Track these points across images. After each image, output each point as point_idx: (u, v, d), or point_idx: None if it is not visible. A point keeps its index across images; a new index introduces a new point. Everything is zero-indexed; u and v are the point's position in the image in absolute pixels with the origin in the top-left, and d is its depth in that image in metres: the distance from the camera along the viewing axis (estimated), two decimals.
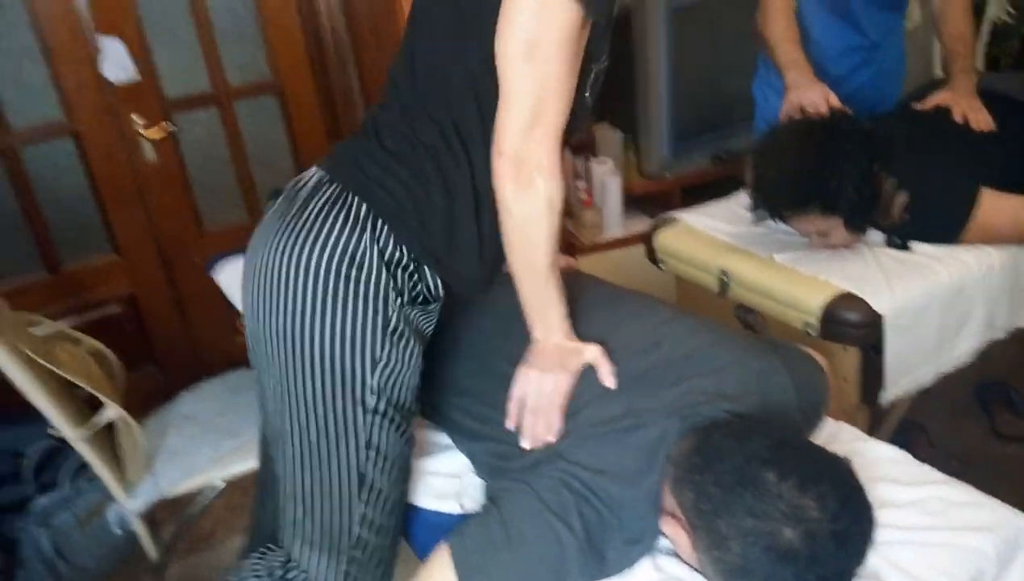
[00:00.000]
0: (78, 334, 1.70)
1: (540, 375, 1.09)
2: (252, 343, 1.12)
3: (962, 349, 1.67)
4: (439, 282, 1.11)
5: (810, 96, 1.74)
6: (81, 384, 1.44)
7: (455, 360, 1.27)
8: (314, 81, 2.51)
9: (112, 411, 1.49)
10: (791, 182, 1.65)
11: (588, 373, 1.11)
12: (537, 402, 1.08)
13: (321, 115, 2.55)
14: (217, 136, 2.45)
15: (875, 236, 1.78)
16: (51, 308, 2.21)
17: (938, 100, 1.84)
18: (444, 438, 1.32)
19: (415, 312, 1.09)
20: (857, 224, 1.68)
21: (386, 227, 1.05)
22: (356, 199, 1.05)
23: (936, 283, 1.61)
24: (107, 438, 1.57)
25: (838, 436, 1.21)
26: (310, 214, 1.05)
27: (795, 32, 1.93)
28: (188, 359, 2.45)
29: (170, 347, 2.45)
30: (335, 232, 1.04)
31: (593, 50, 1.03)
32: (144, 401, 1.80)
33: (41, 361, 1.36)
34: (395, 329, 1.05)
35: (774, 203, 1.71)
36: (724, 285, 1.82)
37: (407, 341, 1.07)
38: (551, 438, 1.07)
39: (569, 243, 2.71)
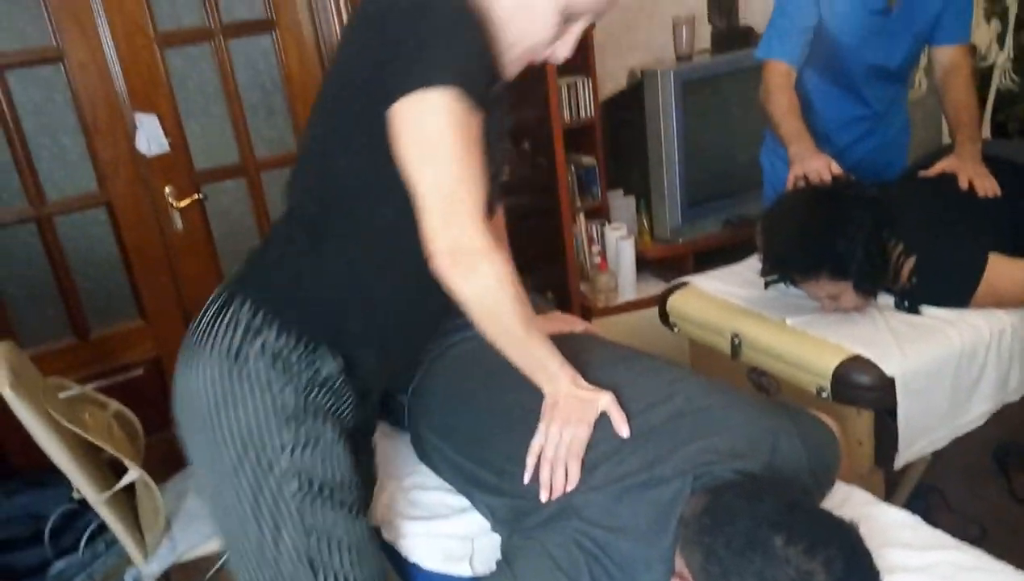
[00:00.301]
0: (104, 398, 1.75)
1: (557, 428, 1.12)
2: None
3: (976, 412, 1.66)
4: (344, 361, 1.13)
5: (813, 166, 1.79)
6: (105, 448, 1.48)
7: (472, 414, 1.29)
8: None
9: (134, 474, 1.52)
10: (800, 248, 1.68)
11: (605, 423, 1.13)
12: (555, 454, 1.10)
13: None
14: (243, 204, 2.55)
15: (886, 299, 1.80)
16: (79, 372, 2.27)
17: (943, 167, 1.87)
18: (457, 500, 1.33)
19: (320, 393, 1.11)
20: (867, 288, 1.71)
21: (268, 319, 1.08)
22: (238, 300, 1.10)
23: (948, 347, 1.61)
24: (127, 501, 1.60)
25: (850, 500, 1.21)
26: (199, 329, 1.12)
27: (796, 105, 1.99)
28: None
29: None
30: (218, 338, 1.08)
31: (489, 130, 1.07)
32: (164, 464, 1.83)
33: (69, 425, 1.41)
34: (294, 414, 1.08)
35: (784, 269, 1.75)
36: (736, 348, 1.84)
37: (313, 420, 1.09)
38: (570, 488, 1.09)
39: (584, 306, 2.75)
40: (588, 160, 2.80)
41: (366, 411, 1.23)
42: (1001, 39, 3.11)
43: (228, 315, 1.09)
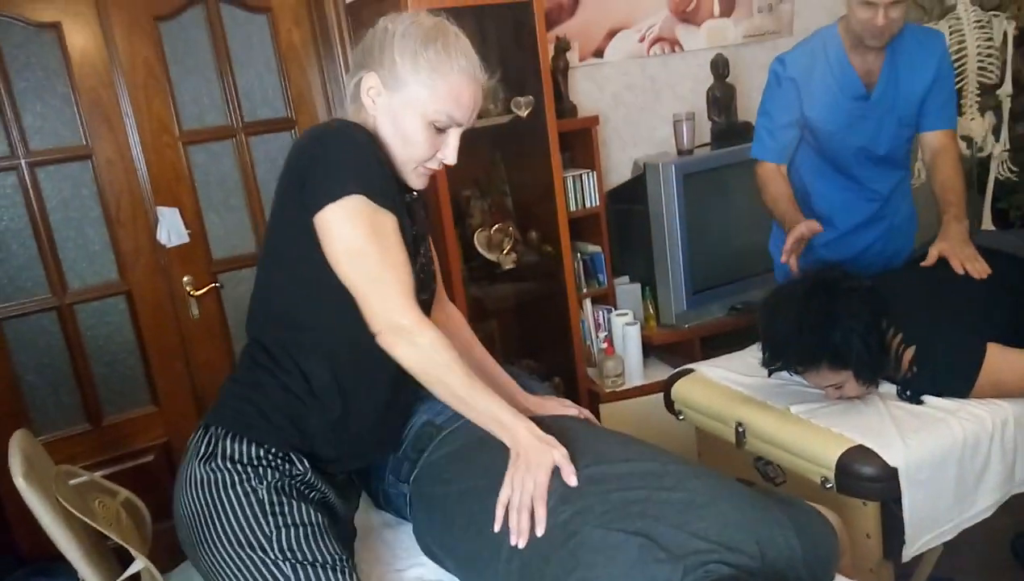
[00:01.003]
0: (114, 486, 1.76)
1: (520, 477, 1.20)
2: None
3: (983, 504, 1.65)
4: (310, 459, 1.29)
5: (799, 229, 1.89)
6: (113, 537, 1.49)
7: (472, 540, 1.29)
8: None
9: (139, 564, 1.52)
10: (798, 340, 1.72)
11: (592, 493, 1.18)
12: (521, 500, 1.19)
13: None
14: None
15: (888, 387, 1.81)
16: (91, 457, 2.30)
17: (936, 252, 1.90)
18: None
19: (294, 486, 1.27)
20: (867, 377, 1.73)
21: (239, 437, 1.26)
22: (214, 427, 1.28)
23: (950, 437, 1.62)
24: None
25: None
26: (184, 460, 1.31)
27: (785, 192, 2.09)
28: None
29: None
30: (199, 462, 1.26)
31: (407, 230, 1.26)
32: (171, 552, 1.82)
33: (77, 514, 1.42)
34: (271, 506, 1.23)
35: (784, 360, 1.78)
36: (741, 436, 1.84)
37: (291, 508, 1.24)
38: (539, 531, 1.16)
39: (591, 391, 2.76)
40: (594, 248, 2.87)
41: (344, 491, 1.39)
42: (997, 131, 3.20)
43: (206, 442, 1.27)
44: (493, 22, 2.61)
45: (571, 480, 1.19)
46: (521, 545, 1.17)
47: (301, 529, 1.23)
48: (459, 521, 1.31)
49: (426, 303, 1.40)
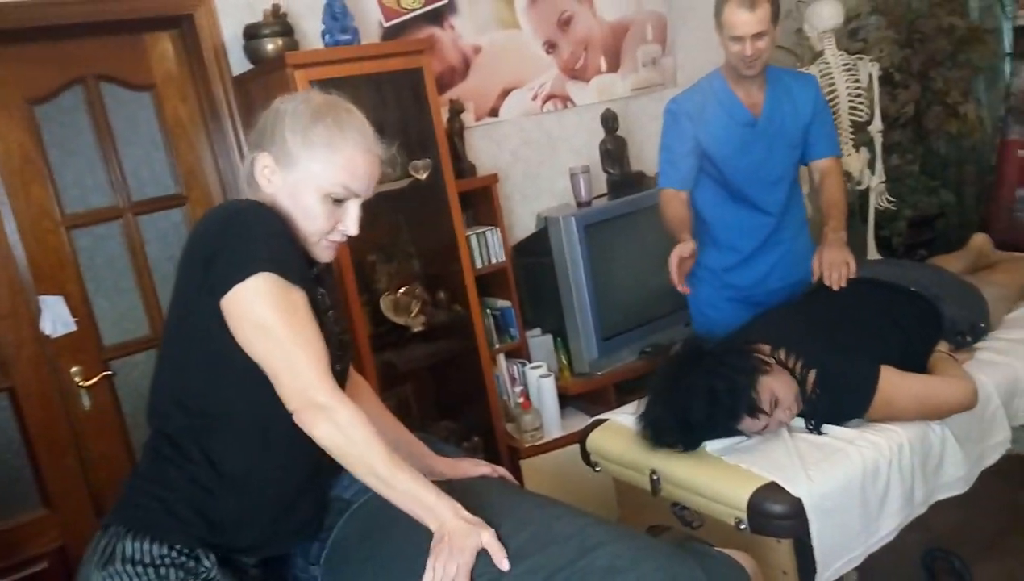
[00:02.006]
0: None
1: (443, 562, 1.16)
2: None
3: (887, 527, 1.70)
4: (219, 553, 1.25)
5: (674, 253, 2.04)
6: None
7: (374, 574, 1.27)
8: None
9: None
10: (694, 428, 1.78)
11: (516, 569, 1.15)
12: None
13: None
14: None
15: (797, 420, 1.86)
16: None
17: (816, 264, 2.05)
18: None
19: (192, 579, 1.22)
20: (751, 413, 1.75)
21: (141, 536, 1.22)
22: (114, 527, 1.24)
23: (851, 466, 1.67)
24: None
25: None
26: (82, 563, 1.25)
27: (680, 212, 2.22)
28: None
29: None
30: (97, 563, 1.21)
31: (318, 303, 1.26)
32: None
33: None
34: None
35: (702, 436, 1.81)
36: (656, 484, 1.85)
37: None
38: None
39: (511, 447, 2.74)
40: (503, 303, 2.88)
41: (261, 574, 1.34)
42: (872, 165, 3.41)
43: (106, 541, 1.22)
44: (386, 89, 2.63)
45: (503, 565, 1.15)
46: None
47: None
48: (378, 569, 1.26)
49: (341, 374, 1.36)
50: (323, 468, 1.29)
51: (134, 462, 2.44)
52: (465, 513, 1.20)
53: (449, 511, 1.19)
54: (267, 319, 1.16)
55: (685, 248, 2.03)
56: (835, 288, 1.99)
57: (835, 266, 2.01)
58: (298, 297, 1.19)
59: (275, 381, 1.17)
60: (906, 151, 3.79)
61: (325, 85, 2.15)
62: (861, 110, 3.28)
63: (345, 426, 1.16)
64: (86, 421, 2.37)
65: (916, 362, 1.90)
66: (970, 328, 2.04)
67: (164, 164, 2.51)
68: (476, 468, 1.52)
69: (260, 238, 1.19)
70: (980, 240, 2.63)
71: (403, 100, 2.61)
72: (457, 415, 2.89)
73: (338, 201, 1.26)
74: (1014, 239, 3.12)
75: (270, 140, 1.26)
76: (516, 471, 2.70)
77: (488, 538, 1.17)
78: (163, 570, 1.19)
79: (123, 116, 2.44)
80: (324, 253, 1.31)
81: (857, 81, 3.24)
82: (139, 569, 1.18)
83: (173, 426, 1.26)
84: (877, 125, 3.36)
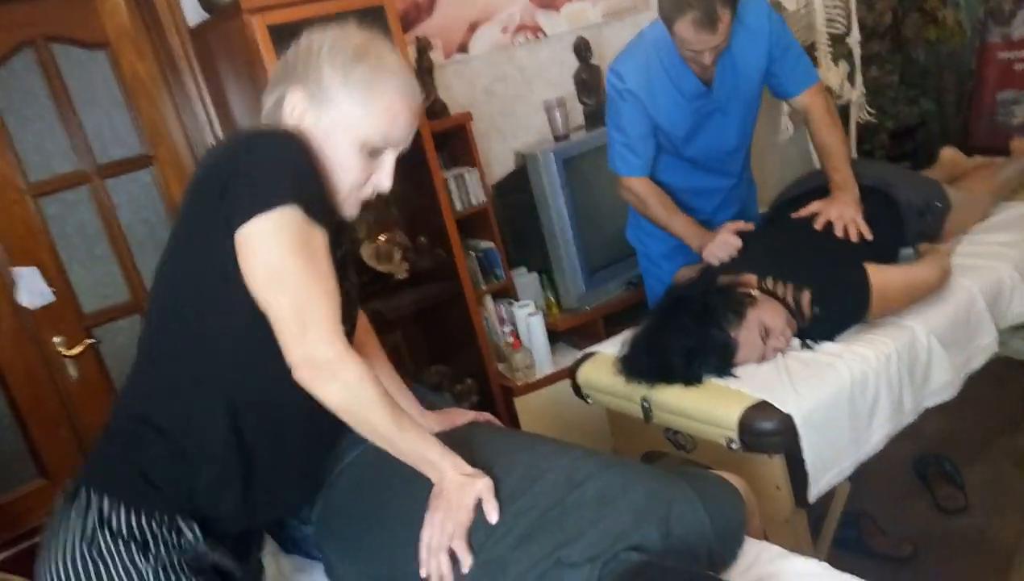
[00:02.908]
0: (9, 577, 1.64)
1: (440, 517, 1.14)
2: None
3: (877, 437, 1.72)
4: (201, 523, 1.16)
5: (718, 248, 1.97)
6: None
7: (387, 530, 1.26)
8: None
9: None
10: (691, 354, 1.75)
11: (508, 512, 1.14)
12: (440, 542, 1.13)
13: None
14: None
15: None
16: None
17: (816, 209, 1.98)
18: None
19: (181, 555, 1.14)
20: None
21: (116, 503, 1.12)
22: (86, 488, 1.14)
23: (839, 380, 1.68)
24: None
25: (760, 557, 1.22)
26: (53, 519, 1.16)
27: (670, 202, 2.12)
28: None
29: None
30: (72, 527, 1.12)
31: (335, 250, 1.13)
32: None
33: None
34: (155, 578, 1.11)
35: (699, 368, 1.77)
36: (647, 412, 1.86)
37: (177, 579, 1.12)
38: (464, 569, 1.11)
39: (504, 386, 2.75)
40: (487, 244, 2.85)
41: (241, 544, 1.26)
42: (851, 77, 3.36)
43: (79, 504, 1.12)
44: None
45: (492, 516, 1.14)
46: None
47: None
48: (372, 558, 1.26)
49: (349, 334, 1.24)
50: (321, 437, 1.24)
51: None
52: (466, 467, 1.18)
53: (450, 467, 1.17)
54: (284, 259, 1.03)
55: (735, 234, 1.97)
56: (852, 235, 1.90)
57: (846, 221, 1.91)
58: (320, 240, 1.06)
59: (280, 330, 1.05)
60: (885, 62, 3.74)
61: (284, 30, 2.07)
62: (839, 22, 3.21)
63: (352, 384, 1.06)
64: (75, 390, 2.35)
65: (887, 250, 1.92)
66: (927, 206, 2.04)
67: (127, 124, 2.43)
68: (463, 417, 1.49)
69: (287, 165, 1.05)
70: (949, 153, 2.61)
71: None
72: (448, 359, 2.89)
73: (374, 152, 1.13)
74: (995, 143, 3.09)
75: (303, 75, 1.12)
76: (510, 410, 2.72)
77: (484, 489, 1.15)
78: (146, 544, 1.11)
79: (79, 77, 2.35)
80: (350, 209, 1.18)
81: None
82: (119, 542, 1.10)
83: (150, 383, 1.18)
84: (855, 36, 3.29)
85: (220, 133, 2.48)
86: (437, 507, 1.15)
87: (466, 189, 2.74)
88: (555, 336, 2.87)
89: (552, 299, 2.92)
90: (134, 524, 1.12)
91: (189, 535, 1.15)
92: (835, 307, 1.79)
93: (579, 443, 1.36)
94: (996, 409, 2.64)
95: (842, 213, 1.94)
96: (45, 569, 1.12)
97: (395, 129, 1.13)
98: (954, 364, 1.83)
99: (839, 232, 1.92)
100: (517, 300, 2.87)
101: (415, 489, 1.20)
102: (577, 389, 2.11)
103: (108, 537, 1.10)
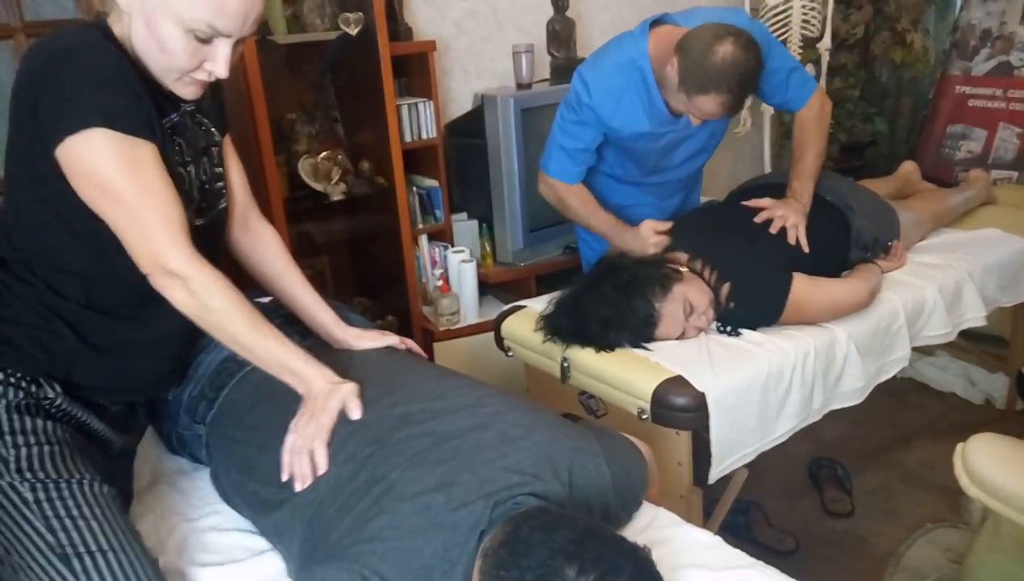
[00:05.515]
0: None
1: (304, 421, 1.16)
2: None
3: (783, 428, 1.74)
4: (63, 385, 1.18)
5: (639, 244, 1.96)
6: None
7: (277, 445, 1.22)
8: None
9: None
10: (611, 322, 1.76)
11: (400, 434, 1.13)
12: (302, 444, 1.14)
13: None
14: None
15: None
16: None
17: (766, 204, 1.97)
18: (255, 542, 1.24)
19: (39, 403, 1.15)
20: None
21: None
22: None
23: (756, 366, 1.69)
24: None
25: (655, 521, 1.22)
26: None
27: (591, 200, 2.08)
28: None
29: None
30: None
31: (172, 155, 1.16)
32: None
33: None
34: (7, 424, 1.11)
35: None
36: (566, 371, 1.85)
37: (35, 425, 1.13)
38: (320, 472, 1.12)
39: (426, 329, 2.69)
40: (431, 182, 2.77)
41: (119, 423, 1.28)
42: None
43: None
44: None
45: (354, 414, 1.15)
46: (298, 489, 1.12)
47: (46, 448, 1.12)
48: (260, 468, 1.21)
49: (207, 228, 1.26)
50: (186, 325, 1.21)
51: None
52: (333, 376, 1.18)
53: (315, 374, 1.18)
54: (107, 178, 1.06)
55: (658, 228, 1.96)
56: (790, 239, 1.90)
57: (787, 224, 1.91)
58: (143, 151, 1.08)
59: (125, 243, 1.10)
60: (849, 75, 3.78)
61: None
62: (813, 25, 3.22)
63: (200, 293, 1.10)
64: None
65: (826, 266, 1.93)
66: (873, 242, 2.07)
67: None
68: (383, 338, 1.46)
69: (88, 86, 1.04)
70: (909, 167, 2.66)
71: None
72: (373, 293, 2.82)
73: (203, 38, 1.08)
74: (938, 174, 3.18)
75: None
76: (429, 352, 2.67)
77: (348, 393, 1.16)
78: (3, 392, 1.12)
79: None
80: (186, 89, 1.16)
81: None
82: None
83: (11, 253, 1.18)
84: (826, 43, 3.31)
85: None
86: (303, 413, 1.16)
87: (418, 121, 2.64)
88: (485, 288, 2.82)
89: (488, 250, 2.87)
90: None
91: (49, 392, 1.16)
92: (748, 306, 1.81)
93: None
94: (894, 424, 2.74)
95: (786, 215, 1.94)
96: None
97: (221, 19, 1.07)
98: (867, 372, 1.87)
99: (774, 229, 1.92)
100: (452, 245, 2.81)
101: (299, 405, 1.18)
102: (500, 341, 2.08)
103: None
